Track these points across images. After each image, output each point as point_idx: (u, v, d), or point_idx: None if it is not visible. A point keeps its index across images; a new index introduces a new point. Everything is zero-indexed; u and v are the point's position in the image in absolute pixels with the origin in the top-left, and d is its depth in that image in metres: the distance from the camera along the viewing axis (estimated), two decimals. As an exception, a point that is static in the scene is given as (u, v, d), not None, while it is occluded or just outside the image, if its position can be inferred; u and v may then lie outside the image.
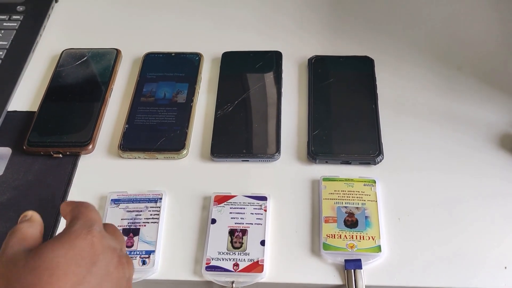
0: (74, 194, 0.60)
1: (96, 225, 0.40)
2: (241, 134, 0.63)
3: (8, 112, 0.67)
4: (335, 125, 0.63)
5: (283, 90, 0.67)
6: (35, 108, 0.67)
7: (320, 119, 0.63)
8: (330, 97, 0.66)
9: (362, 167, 0.61)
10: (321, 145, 0.61)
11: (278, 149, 0.61)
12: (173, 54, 0.72)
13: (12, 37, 0.74)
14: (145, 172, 0.61)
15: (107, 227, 0.43)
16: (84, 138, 0.63)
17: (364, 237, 0.55)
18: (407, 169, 0.60)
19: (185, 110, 0.65)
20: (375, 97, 0.65)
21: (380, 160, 0.60)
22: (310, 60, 0.70)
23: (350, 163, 0.61)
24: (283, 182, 0.60)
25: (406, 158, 0.61)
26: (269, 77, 0.68)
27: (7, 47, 0.73)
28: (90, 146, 0.62)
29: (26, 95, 0.69)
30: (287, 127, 0.64)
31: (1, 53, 0.72)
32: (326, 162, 0.61)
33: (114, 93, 0.69)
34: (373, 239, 0.54)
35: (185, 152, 0.62)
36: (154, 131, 0.64)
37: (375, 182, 0.58)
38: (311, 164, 0.61)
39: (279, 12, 0.78)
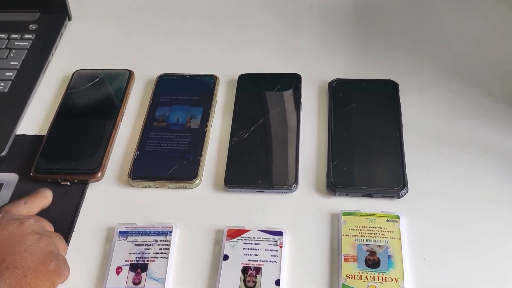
0: (81, 224, 0.57)
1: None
2: (256, 163, 0.60)
3: (17, 136, 0.65)
4: (356, 155, 0.59)
5: (302, 115, 0.64)
6: (44, 131, 0.65)
7: (341, 148, 0.60)
8: (351, 124, 0.62)
9: (385, 201, 0.57)
10: (342, 176, 0.58)
11: (295, 180, 0.58)
12: (187, 76, 0.69)
13: (23, 57, 0.72)
14: (155, 202, 0.59)
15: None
16: (93, 166, 0.60)
17: (387, 278, 0.51)
18: (433, 202, 0.56)
19: (198, 136, 0.62)
20: (400, 125, 0.62)
21: (405, 194, 0.56)
22: (330, 83, 0.66)
23: (372, 196, 0.57)
24: (300, 216, 0.56)
25: (433, 190, 0.57)
26: (288, 101, 0.65)
27: (18, 67, 0.71)
28: (99, 174, 0.60)
29: (36, 118, 0.67)
30: (305, 156, 0.61)
31: (11, 74, 0.70)
32: (347, 194, 0.57)
33: (126, 116, 0.66)
34: (397, 281, 0.51)
35: (197, 181, 0.59)
36: (165, 158, 0.61)
37: (398, 217, 0.54)
38: (331, 196, 0.57)
39: (298, 33, 0.74)
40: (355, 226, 0.54)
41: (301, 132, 0.62)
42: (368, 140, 0.60)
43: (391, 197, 0.57)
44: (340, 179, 0.58)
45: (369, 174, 0.58)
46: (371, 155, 0.59)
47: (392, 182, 0.57)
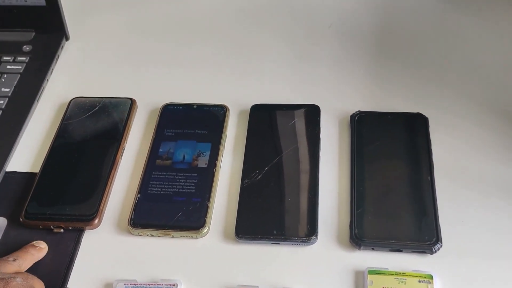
0: (75, 279, 0.51)
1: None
2: (271, 211, 0.53)
3: (7, 173, 0.59)
4: (383, 202, 0.53)
5: (321, 153, 0.58)
6: (36, 168, 0.59)
7: (365, 194, 0.54)
8: (377, 165, 0.56)
9: (416, 257, 0.50)
10: (367, 228, 0.51)
11: (315, 231, 0.52)
12: (194, 106, 0.63)
13: (15, 82, 0.66)
14: (158, 254, 0.52)
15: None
16: (89, 211, 0.54)
17: None
18: (471, 259, 0.50)
19: (206, 177, 0.56)
20: (431, 167, 0.55)
21: (438, 249, 0.50)
22: (353, 116, 0.60)
23: (401, 251, 0.51)
24: (320, 273, 0.50)
25: (470, 245, 0.51)
26: (305, 136, 0.59)
27: (9, 95, 0.65)
28: (96, 221, 0.54)
29: (28, 152, 0.61)
30: (326, 203, 0.54)
31: (2, 102, 0.64)
32: (373, 248, 0.51)
33: (126, 152, 0.60)
34: None
35: (205, 230, 0.53)
36: (170, 202, 0.55)
37: (432, 278, 0.48)
38: (354, 250, 0.51)
39: (315, 58, 0.68)
40: (383, 288, 0.48)
41: (321, 173, 0.56)
42: (396, 185, 0.54)
43: (423, 252, 0.50)
44: (365, 230, 0.51)
45: (398, 226, 0.52)
46: (400, 202, 0.53)
47: (424, 235, 0.51)
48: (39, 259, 0.52)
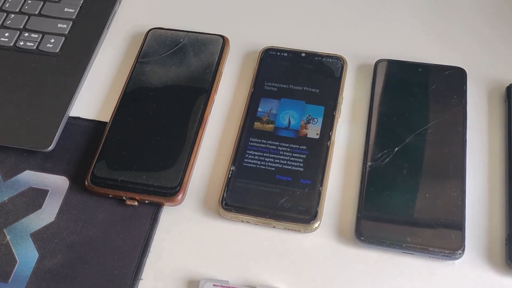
0: (151, 269, 0.41)
1: None
2: (405, 209, 0.41)
3: (70, 118, 0.48)
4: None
5: (468, 133, 0.45)
6: (105, 117, 0.48)
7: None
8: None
9: None
10: (531, 247, 0.40)
11: (461, 243, 0.40)
12: (303, 55, 0.49)
13: (81, 1, 0.53)
14: (254, 246, 0.42)
15: None
16: (171, 182, 0.43)
17: None
18: None
19: (319, 153, 0.44)
20: None
21: None
22: (510, 88, 0.46)
23: None
24: (465, 300, 0.39)
25: None
26: (449, 109, 0.45)
27: (74, 17, 0.52)
28: (180, 196, 0.43)
29: (96, 95, 0.49)
30: (473, 205, 0.42)
31: (64, 25, 0.52)
32: (537, 275, 0.39)
33: (216, 106, 0.48)
34: None
35: (316, 225, 0.41)
36: (272, 182, 0.43)
37: None
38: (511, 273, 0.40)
39: (463, 15, 0.53)
40: (552, 333, 0.37)
41: (469, 161, 0.43)
42: None
43: None
44: (528, 250, 0.39)
45: None
46: None
47: None
48: None
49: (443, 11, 0.52)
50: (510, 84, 0.47)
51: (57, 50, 0.50)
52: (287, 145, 0.45)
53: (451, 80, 0.47)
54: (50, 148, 0.45)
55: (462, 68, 0.47)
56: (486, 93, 0.48)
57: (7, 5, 0.53)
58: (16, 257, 0.42)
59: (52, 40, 0.51)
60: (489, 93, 0.47)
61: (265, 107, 0.47)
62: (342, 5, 0.54)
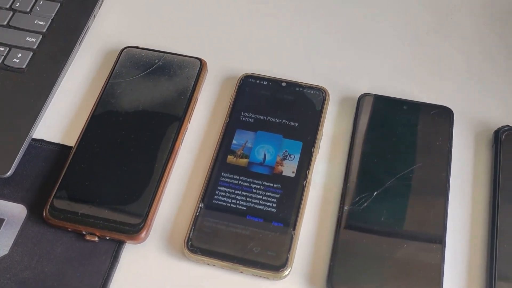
0: (108, 312, 0.39)
1: None
2: (380, 259, 0.39)
3: (33, 140, 0.45)
4: (535, 272, 0.38)
5: (452, 179, 0.42)
6: (70, 141, 0.45)
7: (509, 259, 0.39)
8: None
9: None
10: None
11: (437, 300, 0.38)
12: (283, 84, 0.47)
13: (53, 14, 0.50)
14: (220, 292, 0.39)
15: None
16: (135, 219, 0.40)
17: None
18: None
19: (293, 193, 0.42)
20: None
21: None
22: (498, 133, 0.44)
23: None
24: None
25: None
26: (432, 151, 0.43)
27: (44, 30, 0.49)
28: (143, 234, 0.40)
29: (62, 116, 0.46)
30: (455, 254, 0.40)
31: (33, 39, 0.49)
32: None
33: (189, 136, 0.46)
34: None
35: (286, 272, 0.39)
36: (242, 222, 0.41)
37: None
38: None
39: (449, 50, 0.50)
40: None
41: (450, 210, 0.41)
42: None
43: None
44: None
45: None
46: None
47: None
48: None
49: (434, 46, 0.50)
50: (498, 128, 0.44)
51: (24, 66, 0.47)
52: (260, 182, 0.42)
53: (437, 120, 0.45)
54: (9, 174, 0.43)
55: (449, 108, 0.45)
56: (473, 135, 0.45)
57: (-27, 14, 0.50)
58: (-37, 293, 0.39)
59: (19, 55, 0.48)
60: (476, 136, 0.45)
61: (240, 139, 0.44)
62: (328, 35, 0.51)
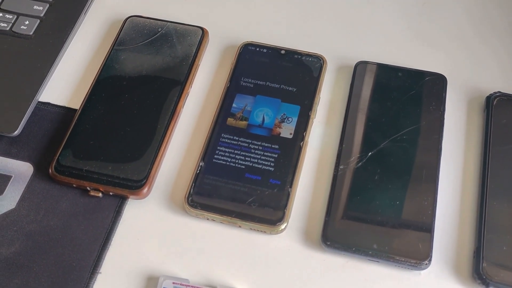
0: (110, 263, 0.40)
1: None
2: (373, 216, 0.41)
3: (39, 104, 0.47)
4: (523, 228, 0.40)
5: (444, 141, 0.44)
6: (75, 104, 0.46)
7: (502, 212, 0.40)
8: (518, 173, 0.42)
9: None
10: (500, 261, 0.39)
11: (428, 254, 0.39)
12: (282, 52, 0.48)
13: (60, -16, 0.52)
14: (218, 245, 0.41)
15: None
16: (138, 175, 0.42)
17: None
18: None
19: (290, 153, 0.43)
20: None
21: None
22: (490, 99, 0.45)
23: (542, 300, 0.38)
24: (428, 313, 0.38)
25: None
26: (425, 116, 0.45)
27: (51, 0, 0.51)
28: (145, 189, 0.42)
29: (68, 81, 0.48)
30: (444, 215, 0.41)
31: (40, 8, 0.51)
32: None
33: (190, 100, 0.47)
34: None
35: (283, 227, 0.40)
36: (241, 180, 0.42)
37: None
38: (477, 288, 0.39)
39: (447, 19, 0.52)
40: None
41: (442, 171, 0.42)
42: (542, 207, 0.41)
43: None
44: (495, 265, 0.38)
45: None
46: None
47: None
48: None
49: (430, 15, 0.51)
50: (490, 94, 0.46)
51: (31, 33, 0.49)
52: (259, 143, 0.44)
53: (431, 87, 0.46)
54: (16, 132, 0.44)
55: (442, 75, 0.47)
56: (466, 101, 0.47)
57: (-17, -17, 0.52)
58: (-28, 244, 0.41)
59: (27, 22, 0.50)
60: (468, 102, 0.47)
61: (240, 103, 0.46)
62: (327, 5, 0.52)
